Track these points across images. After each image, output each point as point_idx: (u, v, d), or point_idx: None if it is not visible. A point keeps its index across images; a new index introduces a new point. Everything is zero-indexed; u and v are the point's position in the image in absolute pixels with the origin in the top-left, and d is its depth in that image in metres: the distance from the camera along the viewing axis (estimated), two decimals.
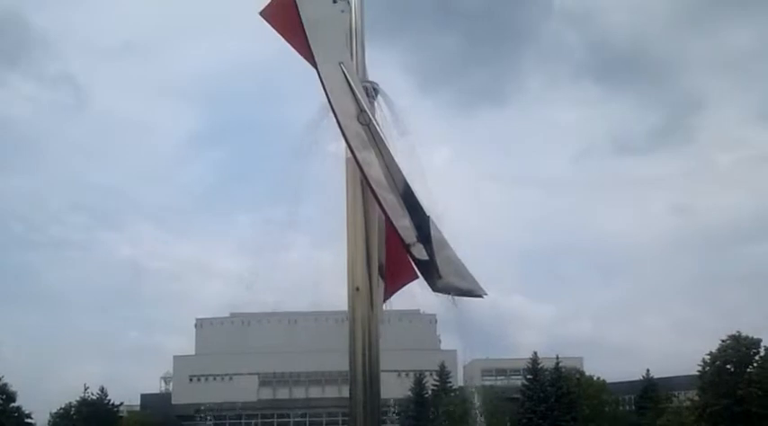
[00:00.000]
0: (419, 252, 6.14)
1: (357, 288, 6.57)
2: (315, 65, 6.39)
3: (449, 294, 6.32)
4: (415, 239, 6.17)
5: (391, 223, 6.23)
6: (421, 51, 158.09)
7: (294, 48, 6.62)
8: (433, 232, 6.18)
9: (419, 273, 6.38)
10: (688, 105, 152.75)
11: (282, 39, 6.73)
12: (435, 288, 6.27)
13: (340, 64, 6.44)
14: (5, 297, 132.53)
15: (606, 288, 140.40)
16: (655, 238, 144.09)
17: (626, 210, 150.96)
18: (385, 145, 6.36)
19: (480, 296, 6.41)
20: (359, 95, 6.40)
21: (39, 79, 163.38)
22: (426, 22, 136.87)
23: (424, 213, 6.22)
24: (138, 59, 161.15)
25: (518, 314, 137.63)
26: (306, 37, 6.40)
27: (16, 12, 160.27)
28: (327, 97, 6.30)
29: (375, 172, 6.24)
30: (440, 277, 6.17)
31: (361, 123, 6.32)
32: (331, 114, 6.30)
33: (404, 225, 6.18)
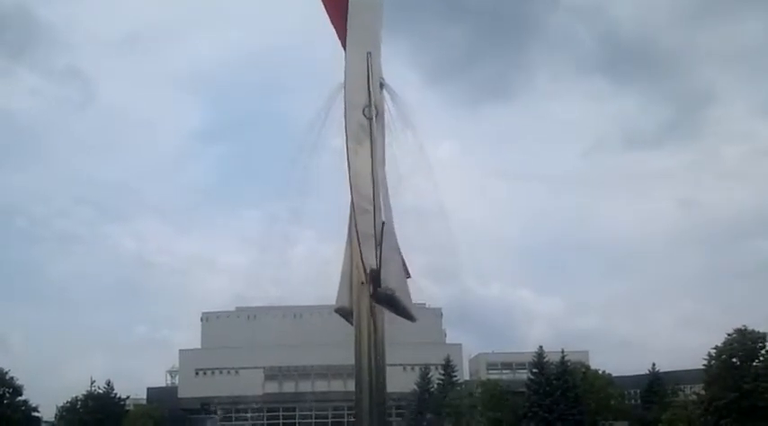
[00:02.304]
0: (368, 254, 6.10)
1: (362, 283, 6.55)
2: (344, 46, 6.38)
3: (383, 306, 6.34)
4: (368, 240, 6.13)
5: (354, 220, 6.18)
6: (428, 46, 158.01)
7: (332, 23, 6.61)
8: (386, 239, 6.15)
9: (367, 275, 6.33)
10: (697, 99, 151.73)
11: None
12: (374, 295, 6.26)
13: (367, 54, 6.42)
14: (12, 291, 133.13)
15: (613, 282, 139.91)
16: (662, 232, 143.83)
17: (634, 204, 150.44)
18: (381, 143, 6.33)
19: (412, 320, 6.48)
20: (372, 89, 6.38)
21: (44, 73, 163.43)
22: (433, 17, 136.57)
23: (382, 218, 6.18)
24: (142, 53, 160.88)
25: (524, 307, 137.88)
26: (346, 18, 6.38)
27: (21, 4, 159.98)
28: (345, 80, 6.28)
29: (359, 164, 6.20)
30: (380, 286, 6.14)
31: (365, 116, 6.29)
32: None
33: (363, 226, 6.12)
